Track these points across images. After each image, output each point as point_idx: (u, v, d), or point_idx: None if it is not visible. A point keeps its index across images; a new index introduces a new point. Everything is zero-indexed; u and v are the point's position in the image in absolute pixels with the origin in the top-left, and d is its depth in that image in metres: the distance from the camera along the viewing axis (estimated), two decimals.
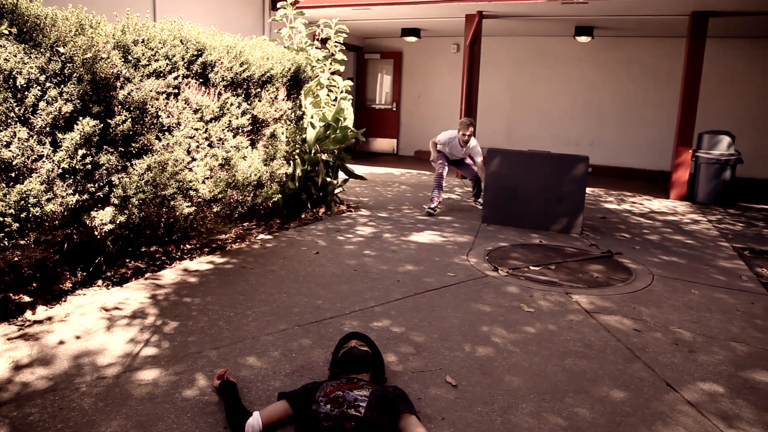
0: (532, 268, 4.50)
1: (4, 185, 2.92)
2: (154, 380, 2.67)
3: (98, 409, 2.44)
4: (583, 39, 9.86)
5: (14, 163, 2.96)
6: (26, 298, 3.64)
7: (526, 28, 10.09)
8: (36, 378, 2.70)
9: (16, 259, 3.25)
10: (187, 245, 4.89)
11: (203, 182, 4.04)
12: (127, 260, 4.25)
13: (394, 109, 12.65)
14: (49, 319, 3.36)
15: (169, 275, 4.11)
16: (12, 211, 2.88)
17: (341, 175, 6.95)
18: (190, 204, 4.01)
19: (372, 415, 2.08)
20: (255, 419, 2.23)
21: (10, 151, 2.94)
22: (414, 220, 6.15)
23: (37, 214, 2.99)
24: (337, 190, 6.68)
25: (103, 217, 3.46)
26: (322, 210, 6.35)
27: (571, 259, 4.81)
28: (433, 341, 3.12)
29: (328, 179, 6.32)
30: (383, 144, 13.02)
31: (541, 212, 5.86)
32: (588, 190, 8.07)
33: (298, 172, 5.97)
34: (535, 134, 11.09)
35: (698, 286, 4.23)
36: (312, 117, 6.23)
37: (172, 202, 3.80)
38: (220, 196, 4.22)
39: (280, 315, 3.44)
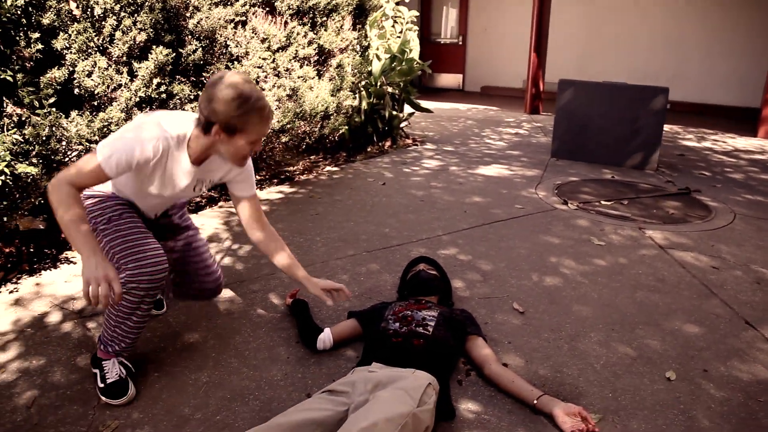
0: (603, 202, 4.37)
1: (88, 113, 3.05)
2: (230, 298, 2.81)
3: (181, 321, 2.60)
4: None
5: (96, 92, 3.08)
6: None
7: None
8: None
9: None
10: (257, 176, 5.02)
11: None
12: None
13: (460, 43, 12.25)
14: None
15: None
16: (97, 137, 3.02)
17: (407, 109, 6.87)
18: None
19: (440, 334, 2.12)
20: (326, 334, 2.32)
21: (92, 80, 3.05)
22: (481, 153, 6.05)
23: None
24: (402, 124, 6.63)
25: None
26: (388, 143, 6.33)
27: (645, 195, 4.62)
28: (500, 270, 3.12)
29: (394, 112, 6.26)
30: (448, 79, 12.72)
31: (614, 147, 5.63)
32: (665, 127, 7.67)
33: (364, 105, 5.94)
34: (610, 68, 10.49)
35: None
36: (377, 49, 6.13)
37: None
38: (288, 126, 4.27)
39: (348, 241, 3.51)
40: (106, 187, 2.11)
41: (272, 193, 4.56)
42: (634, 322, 2.61)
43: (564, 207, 4.23)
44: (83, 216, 1.77)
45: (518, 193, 4.55)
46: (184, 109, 3.55)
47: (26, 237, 3.47)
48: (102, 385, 2.09)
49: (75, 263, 3.33)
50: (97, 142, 3.02)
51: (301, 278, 2.24)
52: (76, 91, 3.05)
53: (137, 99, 3.23)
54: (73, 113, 2.94)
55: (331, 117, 4.83)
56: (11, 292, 2.91)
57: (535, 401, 1.94)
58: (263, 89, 4.08)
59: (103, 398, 2.08)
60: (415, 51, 6.41)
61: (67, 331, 2.58)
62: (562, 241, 3.54)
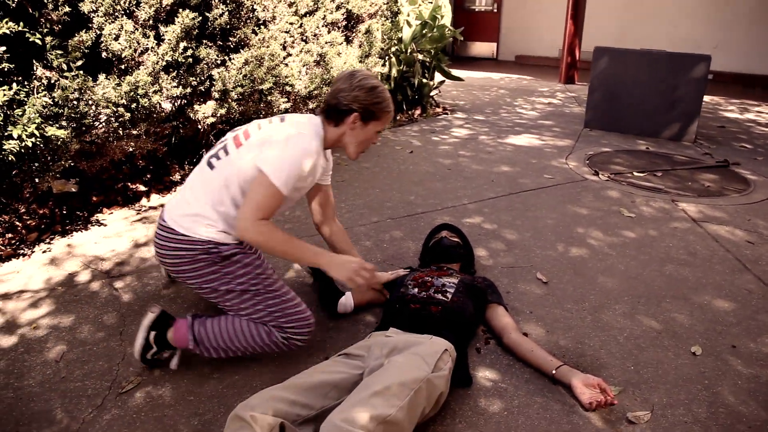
0: (635, 174, 4.25)
1: (115, 77, 3.07)
2: None
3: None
4: None
5: (123, 55, 3.09)
6: (142, 188, 3.93)
7: None
8: (151, 255, 2.94)
9: (130, 149, 3.47)
10: None
11: (299, 78, 4.05)
12: None
13: (495, 10, 11.94)
14: (162, 205, 3.61)
15: None
16: (124, 101, 3.04)
17: (437, 77, 6.75)
18: (286, 100, 4.06)
19: (459, 300, 2.10)
20: (347, 298, 2.33)
21: (118, 43, 3.06)
22: (511, 123, 5.93)
23: (146, 105, 3.14)
24: (432, 92, 6.53)
25: (205, 111, 3.59)
26: (418, 112, 6.26)
27: (681, 167, 4.48)
28: (525, 239, 3.07)
29: (424, 80, 6.17)
30: (482, 48, 12.45)
31: (650, 117, 5.44)
32: (705, 98, 7.38)
33: (394, 72, 5.86)
34: (651, 35, 10.09)
35: None
36: (408, 15, 6.01)
37: (269, 97, 3.87)
38: (315, 92, 4.24)
39: (372, 208, 3.50)
40: (209, 228, 1.98)
41: None
42: (661, 295, 2.54)
43: (595, 178, 4.13)
44: (289, 236, 1.90)
45: (548, 163, 4.45)
46: (210, 75, 3.55)
47: (59, 199, 3.55)
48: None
49: (105, 225, 3.40)
50: (124, 106, 3.04)
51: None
52: (104, 54, 3.07)
53: (164, 63, 3.23)
54: (101, 77, 2.96)
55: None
56: (44, 252, 2.99)
57: (554, 371, 1.92)
58: (290, 54, 4.05)
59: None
60: (446, 17, 6.27)
61: (95, 290, 2.65)
62: (590, 212, 3.46)
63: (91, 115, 2.94)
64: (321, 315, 2.38)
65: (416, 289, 2.15)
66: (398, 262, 2.81)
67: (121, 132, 3.18)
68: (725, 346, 2.18)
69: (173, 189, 3.94)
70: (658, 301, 2.49)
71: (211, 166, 2.03)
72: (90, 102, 2.90)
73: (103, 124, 3.10)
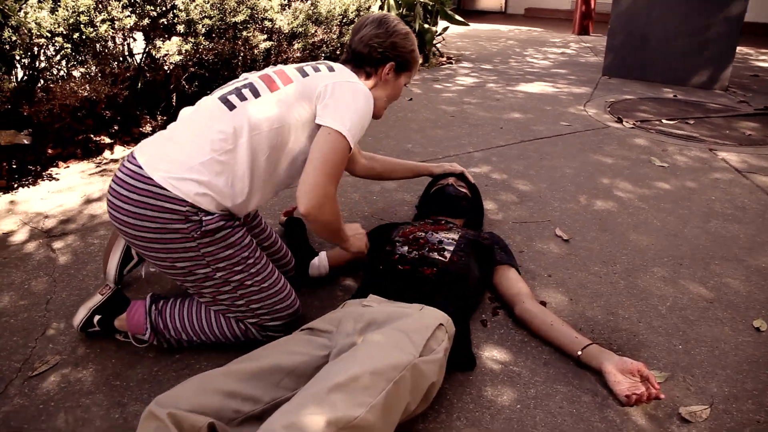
0: (664, 121, 3.74)
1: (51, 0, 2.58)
2: None
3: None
4: None
5: None
6: (107, 140, 3.48)
7: None
8: (103, 211, 2.52)
9: (84, 94, 3.01)
10: None
11: (279, 12, 3.54)
12: None
13: None
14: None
15: None
16: (62, 29, 2.56)
17: (441, 25, 6.19)
18: (266, 37, 3.56)
19: (459, 261, 1.65)
20: (320, 259, 1.88)
21: None
22: (522, 72, 5.40)
23: (92, 36, 2.66)
24: (435, 40, 5.97)
25: (168, 48, 3.10)
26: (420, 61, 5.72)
27: (716, 114, 3.96)
28: (540, 191, 2.60)
29: (426, 26, 5.61)
30: (490, 2, 11.77)
31: (678, 62, 4.89)
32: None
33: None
34: None
35: None
36: None
37: (244, 33, 3.36)
38: (300, 30, 3.73)
39: None
40: (199, 187, 1.45)
41: None
42: (709, 256, 2.09)
43: (618, 125, 3.63)
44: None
45: (564, 110, 3.95)
46: (174, 4, 3.05)
47: (8, 152, 3.11)
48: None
49: (58, 180, 2.96)
50: (64, 36, 2.57)
51: (425, 169, 2.24)
52: None
53: None
54: None
55: (353, 24, 4.26)
56: None
57: (580, 352, 1.48)
58: None
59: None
60: None
61: (29, 251, 2.22)
62: (616, 161, 2.98)
63: (22, 45, 2.47)
64: (293, 279, 1.93)
65: (406, 247, 1.70)
66: (389, 218, 2.36)
67: (66, 69, 2.71)
68: None
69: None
70: (705, 263, 2.04)
71: (230, 105, 1.50)
72: (20, 29, 2.42)
73: (44, 60, 2.63)
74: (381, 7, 5.28)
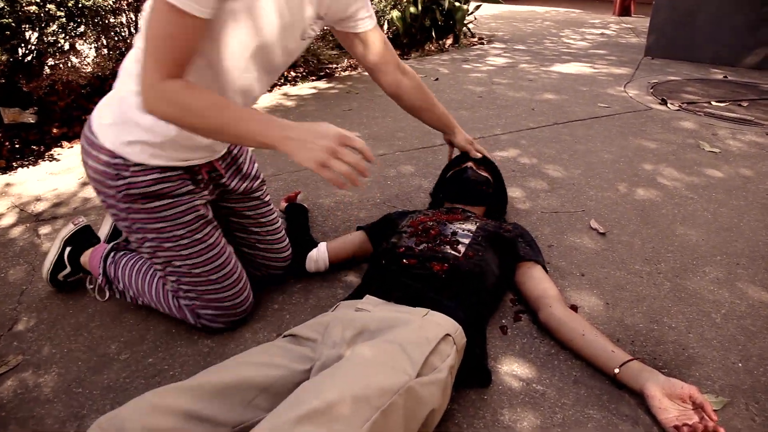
0: (714, 103, 3.40)
1: None
2: None
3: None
4: None
5: None
6: None
7: None
8: None
9: (89, 69, 2.85)
10: (292, 72, 4.33)
11: None
12: None
13: None
14: None
15: (263, 99, 3.59)
16: None
17: (472, 5, 5.88)
18: None
19: (476, 256, 1.41)
20: (319, 252, 1.66)
21: None
22: (558, 53, 5.06)
23: (88, 4, 2.47)
24: (467, 20, 5.66)
25: None
26: (449, 41, 5.44)
27: None
28: (574, 177, 2.33)
29: (457, 3, 5.31)
30: None
31: (728, 41, 4.49)
32: None
33: None
34: None
35: None
36: None
37: None
38: None
39: (380, 139, 2.80)
40: (121, 132, 1.27)
41: (303, 89, 3.86)
42: None
43: (662, 107, 3.30)
44: (216, 97, 1.10)
45: (602, 91, 3.63)
46: None
47: (13, 131, 2.97)
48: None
49: (59, 160, 2.81)
50: (54, 2, 2.39)
51: (450, 126, 1.83)
52: None
53: None
54: None
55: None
56: None
57: (618, 370, 1.22)
58: None
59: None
60: None
61: (13, 237, 2.07)
62: (660, 145, 2.68)
63: (10, 11, 2.29)
64: (287, 274, 1.72)
65: (414, 239, 1.47)
66: (403, 204, 2.12)
67: (62, 41, 2.54)
68: None
69: None
70: (766, 262, 1.75)
71: None
72: None
73: (36, 28, 2.46)
74: None
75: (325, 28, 1.49)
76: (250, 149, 1.67)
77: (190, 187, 1.37)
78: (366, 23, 1.48)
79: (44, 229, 2.11)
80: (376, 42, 1.54)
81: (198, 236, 1.37)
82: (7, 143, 2.95)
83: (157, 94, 1.07)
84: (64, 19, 2.40)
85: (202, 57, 1.16)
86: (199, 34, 1.08)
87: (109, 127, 1.28)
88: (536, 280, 1.47)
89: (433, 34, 5.34)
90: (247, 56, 1.21)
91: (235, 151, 1.57)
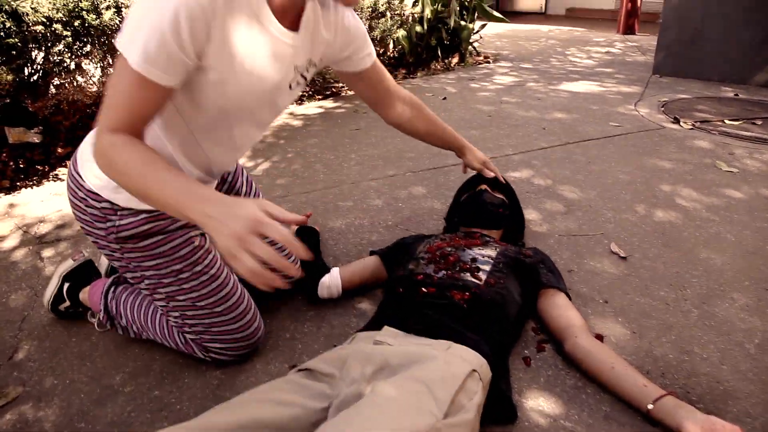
0: (728, 122, 3.35)
1: None
2: None
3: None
4: None
5: None
6: None
7: None
8: None
9: (94, 89, 2.81)
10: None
11: None
12: None
13: None
14: None
15: None
16: (61, 16, 2.35)
17: (478, 24, 5.86)
18: None
19: (497, 284, 1.35)
20: (332, 277, 1.59)
21: None
22: (565, 71, 5.03)
23: (95, 23, 2.45)
24: (472, 38, 5.65)
25: None
26: (455, 60, 5.42)
27: None
28: (590, 199, 2.27)
29: (462, 22, 5.30)
30: (529, 2, 11.37)
31: (739, 58, 4.46)
32: None
33: (428, 12, 5.01)
34: None
35: None
36: None
37: None
38: None
39: (390, 160, 2.75)
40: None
41: (310, 108, 3.83)
42: None
43: (675, 126, 3.26)
44: (153, 158, 0.98)
45: (613, 110, 3.59)
46: None
47: (19, 151, 2.94)
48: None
49: (63, 180, 2.76)
50: (63, 23, 2.36)
51: (458, 145, 1.77)
52: None
53: None
54: None
55: (384, 17, 3.99)
56: None
57: (651, 406, 1.15)
58: None
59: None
60: None
61: (16, 260, 2.01)
62: (676, 165, 2.62)
63: (17, 31, 2.26)
64: (298, 302, 1.66)
65: (432, 266, 1.41)
66: (415, 227, 2.06)
67: (69, 60, 2.51)
68: None
69: None
70: None
71: None
72: (17, 15, 2.22)
73: (43, 47, 2.43)
74: (416, 3, 5.00)
75: None
76: (245, 173, 1.64)
77: (183, 222, 1.31)
78: (365, 61, 1.41)
79: (47, 252, 2.05)
80: (374, 79, 1.49)
81: (198, 268, 1.31)
82: (11, 163, 2.91)
83: (98, 143, 0.99)
84: (70, 39, 2.37)
85: (178, 114, 1.13)
86: (162, 102, 1.01)
87: (94, 169, 1.22)
88: (560, 308, 1.41)
89: (439, 52, 5.32)
90: (230, 117, 1.18)
91: (230, 179, 1.54)
